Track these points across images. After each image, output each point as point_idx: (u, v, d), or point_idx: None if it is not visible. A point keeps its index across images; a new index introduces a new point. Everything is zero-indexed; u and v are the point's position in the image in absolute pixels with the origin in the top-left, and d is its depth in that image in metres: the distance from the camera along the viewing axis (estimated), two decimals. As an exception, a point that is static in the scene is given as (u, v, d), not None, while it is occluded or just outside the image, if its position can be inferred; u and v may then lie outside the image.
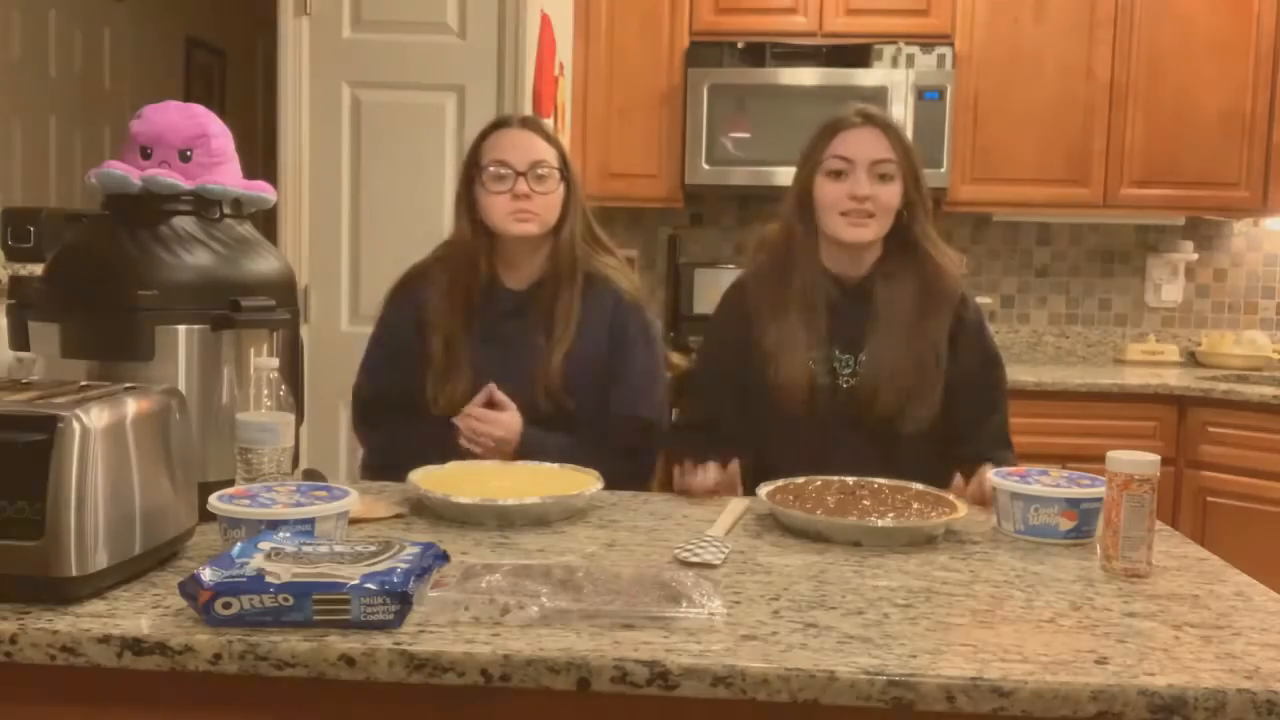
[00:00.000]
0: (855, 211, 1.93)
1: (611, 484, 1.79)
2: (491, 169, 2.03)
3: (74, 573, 1.20)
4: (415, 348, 2.08)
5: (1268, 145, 3.69)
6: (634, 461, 2.04)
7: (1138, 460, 1.43)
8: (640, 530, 1.61)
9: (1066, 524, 1.56)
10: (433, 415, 2.03)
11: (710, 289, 3.81)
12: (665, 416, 2.14)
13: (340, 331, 3.16)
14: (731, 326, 2.07)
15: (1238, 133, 3.69)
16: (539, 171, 2.03)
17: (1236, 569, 1.49)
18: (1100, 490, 1.52)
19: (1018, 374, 3.49)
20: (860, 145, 1.95)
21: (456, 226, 2.12)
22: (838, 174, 1.95)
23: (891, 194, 1.95)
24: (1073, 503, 1.56)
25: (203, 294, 1.58)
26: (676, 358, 2.30)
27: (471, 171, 2.08)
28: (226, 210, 1.66)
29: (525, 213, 2.02)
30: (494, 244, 2.08)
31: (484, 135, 2.10)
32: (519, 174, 2.02)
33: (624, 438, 2.04)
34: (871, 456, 1.87)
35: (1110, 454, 1.45)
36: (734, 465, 1.86)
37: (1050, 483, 1.60)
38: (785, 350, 1.96)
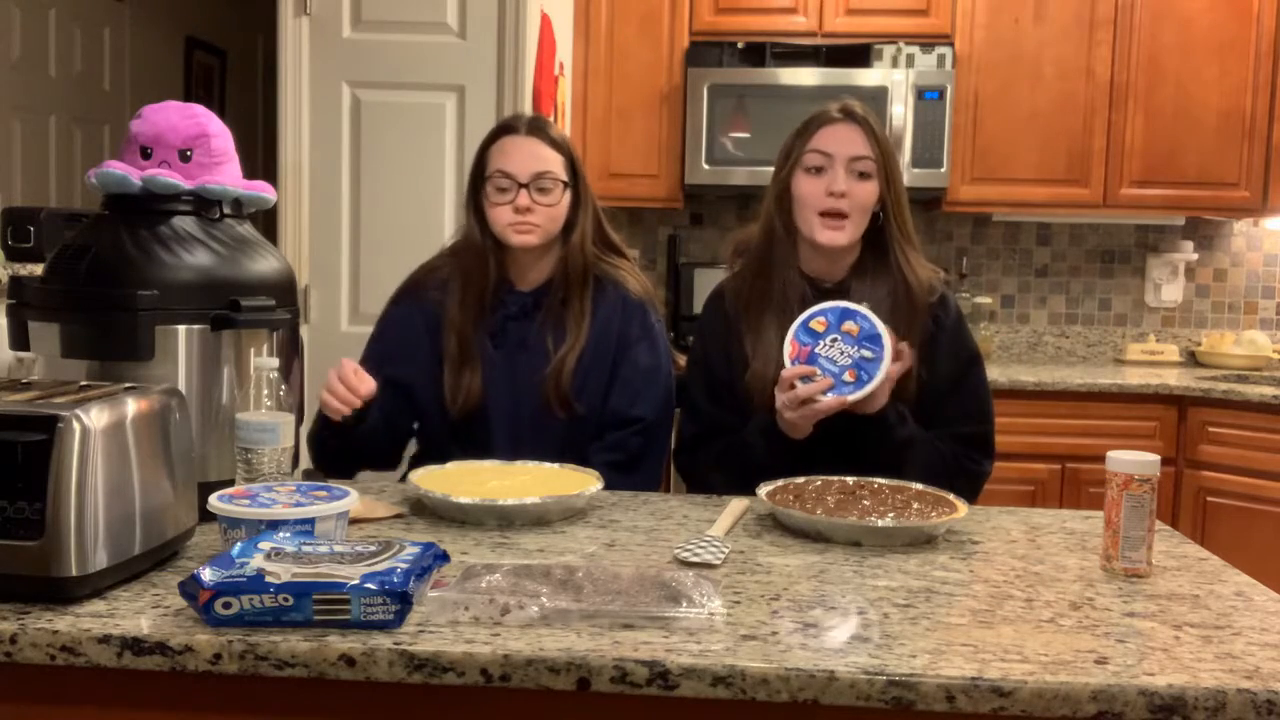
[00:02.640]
0: (831, 212, 1.91)
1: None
2: (494, 179, 2.02)
3: (74, 573, 1.20)
4: (423, 346, 2.07)
5: (1268, 145, 3.69)
6: (634, 473, 2.02)
7: (1138, 460, 1.43)
8: (640, 530, 1.61)
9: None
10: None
11: (710, 289, 3.80)
12: (667, 419, 2.12)
13: (340, 331, 3.16)
14: (714, 335, 2.04)
15: (1238, 133, 3.70)
16: (541, 184, 2.01)
17: (1236, 569, 1.49)
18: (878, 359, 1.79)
19: (1018, 374, 3.50)
20: (839, 140, 1.93)
21: (467, 228, 2.11)
22: (816, 170, 1.93)
23: (868, 192, 1.93)
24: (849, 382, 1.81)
25: (203, 294, 1.58)
26: (681, 360, 2.28)
27: (477, 177, 2.07)
28: (226, 210, 1.66)
29: (526, 224, 2.01)
30: (502, 247, 2.07)
31: (490, 140, 2.08)
32: (521, 186, 2.00)
33: (621, 438, 2.04)
34: (856, 460, 1.83)
35: (1110, 454, 1.45)
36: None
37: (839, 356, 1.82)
38: (762, 352, 1.94)
